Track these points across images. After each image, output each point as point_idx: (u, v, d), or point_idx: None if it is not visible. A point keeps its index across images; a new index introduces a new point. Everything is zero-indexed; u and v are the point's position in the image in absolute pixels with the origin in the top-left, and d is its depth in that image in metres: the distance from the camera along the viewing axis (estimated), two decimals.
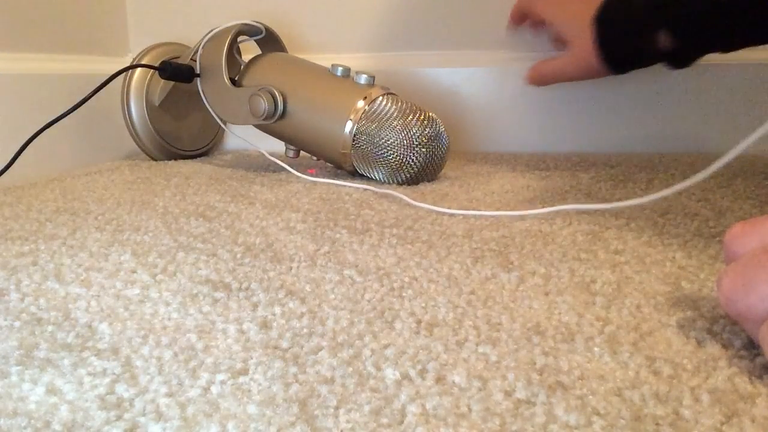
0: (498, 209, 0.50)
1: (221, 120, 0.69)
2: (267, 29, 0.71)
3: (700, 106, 0.78)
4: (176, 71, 0.68)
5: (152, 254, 0.39)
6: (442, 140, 0.61)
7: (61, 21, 0.76)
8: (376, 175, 0.62)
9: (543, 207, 0.49)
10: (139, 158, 0.77)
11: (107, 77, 0.66)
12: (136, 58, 0.74)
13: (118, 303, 0.32)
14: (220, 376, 0.25)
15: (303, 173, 0.64)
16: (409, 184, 0.60)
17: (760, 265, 0.24)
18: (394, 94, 0.63)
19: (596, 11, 0.62)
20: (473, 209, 0.50)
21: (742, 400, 0.22)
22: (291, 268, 0.37)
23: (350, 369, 0.25)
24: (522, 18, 0.73)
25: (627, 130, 0.81)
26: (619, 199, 0.53)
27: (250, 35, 0.71)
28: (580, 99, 0.81)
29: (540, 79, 0.71)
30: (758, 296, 0.24)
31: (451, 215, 0.48)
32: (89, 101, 0.64)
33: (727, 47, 0.61)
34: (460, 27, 0.83)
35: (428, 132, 0.60)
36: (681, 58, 0.62)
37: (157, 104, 0.74)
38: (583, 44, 0.63)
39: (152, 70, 0.71)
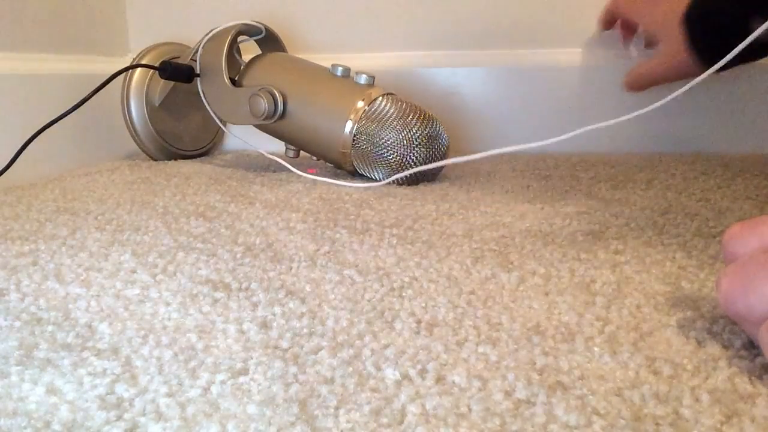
0: (498, 209, 0.50)
1: (221, 120, 0.69)
2: (267, 29, 0.71)
3: (701, 106, 0.78)
4: (176, 71, 0.68)
5: (152, 254, 0.39)
6: (442, 140, 0.61)
7: (61, 21, 0.76)
8: (376, 175, 0.62)
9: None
10: (139, 158, 0.77)
11: (107, 77, 0.66)
12: (136, 58, 0.74)
13: (118, 303, 0.32)
14: (220, 376, 0.25)
15: (303, 173, 0.64)
16: (409, 184, 0.60)
17: (759, 266, 0.24)
18: (393, 94, 0.63)
19: (685, 8, 0.61)
20: (472, 209, 0.50)
21: (742, 400, 0.22)
22: (291, 268, 0.37)
23: (350, 369, 0.25)
24: (612, 21, 0.72)
25: (627, 130, 0.81)
26: (619, 200, 0.53)
27: (250, 35, 0.71)
28: (580, 99, 0.81)
29: (636, 84, 0.69)
30: (757, 297, 0.24)
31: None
32: (89, 101, 0.64)
33: None
34: (460, 27, 0.83)
35: (428, 132, 0.60)
36: None
37: (157, 104, 0.74)
38: (674, 43, 0.62)
39: (152, 70, 0.71)
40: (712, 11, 0.59)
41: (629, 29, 0.74)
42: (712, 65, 0.58)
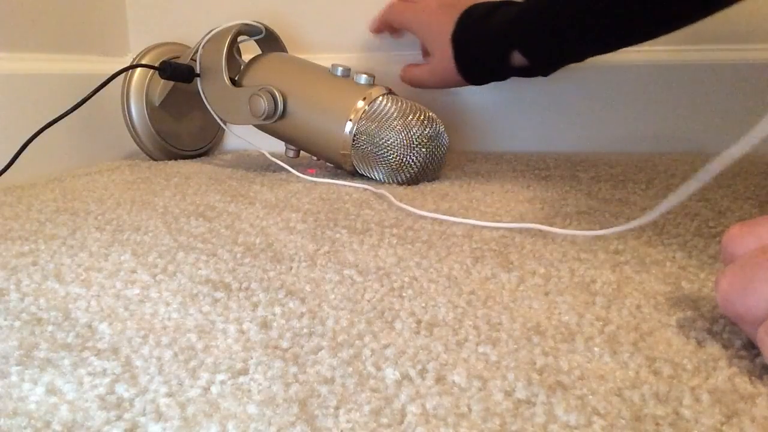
0: (498, 209, 0.50)
1: (221, 120, 0.69)
2: (267, 29, 0.71)
3: (700, 106, 0.78)
4: (176, 71, 0.68)
5: (152, 254, 0.39)
6: (442, 140, 0.61)
7: (61, 21, 0.76)
8: (376, 175, 0.62)
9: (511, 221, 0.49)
10: (139, 158, 0.77)
11: (107, 77, 0.66)
12: (136, 58, 0.74)
13: (118, 303, 0.32)
14: (220, 376, 0.25)
15: (303, 173, 0.64)
16: (409, 184, 0.60)
17: (758, 266, 0.24)
18: (394, 94, 0.63)
19: (453, 28, 0.66)
20: (472, 209, 0.50)
21: (742, 400, 0.23)
22: (291, 268, 0.37)
23: (350, 369, 0.25)
24: (384, 27, 0.76)
25: (627, 130, 0.81)
26: (619, 200, 0.53)
27: (250, 35, 0.71)
28: (581, 99, 0.81)
29: (410, 83, 0.74)
30: (756, 297, 0.24)
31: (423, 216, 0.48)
32: (89, 101, 0.64)
33: (578, 60, 0.66)
34: None
35: (428, 132, 0.60)
36: (536, 73, 0.66)
37: (157, 104, 0.74)
38: (444, 58, 0.67)
39: (152, 70, 0.71)
40: (475, 38, 0.65)
41: (398, 32, 0.79)
42: (476, 81, 0.70)
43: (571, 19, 0.60)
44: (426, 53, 0.73)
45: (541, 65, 0.65)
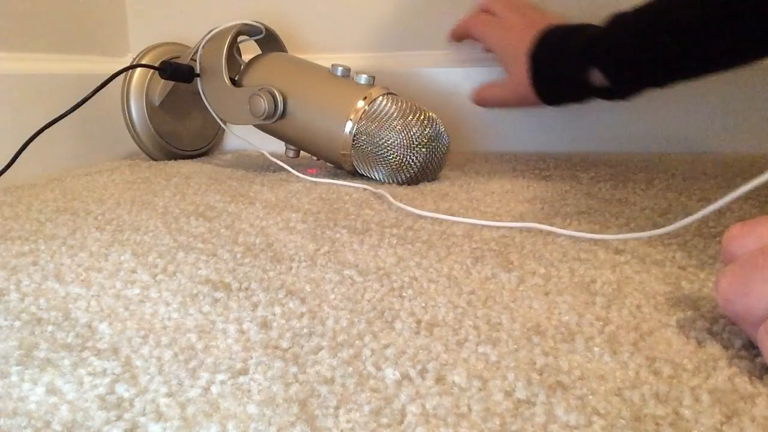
0: (498, 209, 0.50)
1: (221, 120, 0.69)
2: (267, 29, 0.71)
3: (700, 106, 0.78)
4: (176, 71, 0.68)
5: (152, 254, 0.39)
6: (442, 140, 0.61)
7: (61, 21, 0.76)
8: (376, 175, 0.62)
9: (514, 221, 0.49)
10: (139, 158, 0.77)
11: (107, 77, 0.66)
12: (136, 58, 0.74)
13: (118, 303, 0.32)
14: (220, 376, 0.25)
15: (303, 173, 0.64)
16: (409, 184, 0.60)
17: (758, 266, 0.24)
18: (394, 94, 0.63)
19: (531, 45, 0.64)
20: (472, 209, 0.50)
21: (742, 400, 0.23)
22: (291, 268, 0.37)
23: (350, 369, 0.25)
24: (463, 37, 0.75)
25: (627, 130, 0.81)
26: (619, 200, 0.53)
27: (250, 35, 0.71)
28: None
29: (483, 103, 0.73)
30: (756, 297, 0.24)
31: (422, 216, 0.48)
32: (89, 101, 0.64)
33: (660, 84, 0.62)
34: None
35: (428, 132, 0.60)
36: (616, 95, 0.63)
37: (157, 104, 0.74)
38: (520, 75, 0.65)
39: (152, 70, 0.71)
40: (554, 55, 0.63)
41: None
42: (552, 102, 0.67)
43: (660, 39, 0.57)
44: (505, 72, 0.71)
45: (622, 87, 0.62)
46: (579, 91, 0.64)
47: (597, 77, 0.60)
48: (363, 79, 0.62)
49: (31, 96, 0.68)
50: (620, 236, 0.40)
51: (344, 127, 0.61)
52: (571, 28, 0.64)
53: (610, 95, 0.63)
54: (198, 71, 0.68)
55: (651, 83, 0.62)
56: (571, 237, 0.42)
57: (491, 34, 0.70)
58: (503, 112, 0.82)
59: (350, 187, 0.58)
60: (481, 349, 0.27)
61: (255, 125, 0.67)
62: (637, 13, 0.58)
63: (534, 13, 0.68)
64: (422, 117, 0.60)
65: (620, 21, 0.60)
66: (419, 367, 0.25)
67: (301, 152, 0.68)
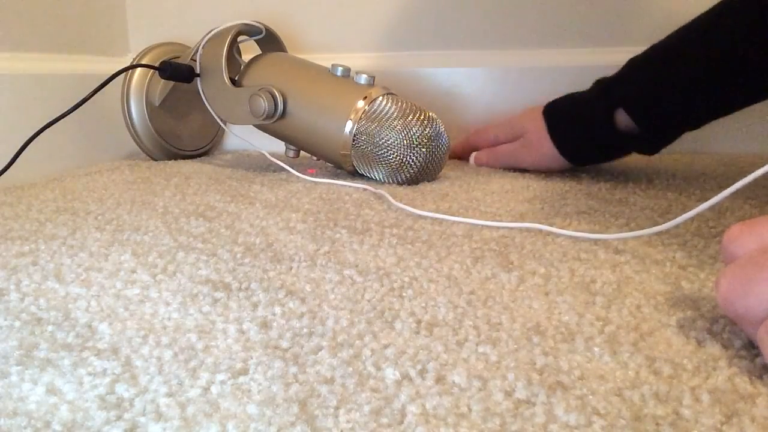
0: (498, 209, 0.50)
1: (221, 120, 0.69)
2: (267, 29, 0.71)
3: None
4: (176, 71, 0.68)
5: (152, 254, 0.39)
6: (442, 140, 0.61)
7: (61, 21, 0.76)
8: (376, 175, 0.62)
9: (514, 221, 0.49)
10: (139, 158, 0.77)
11: (107, 77, 0.66)
12: (136, 58, 0.74)
13: (118, 303, 0.32)
14: (220, 376, 0.25)
15: (303, 173, 0.64)
16: (409, 184, 0.60)
17: (758, 266, 0.24)
18: (394, 94, 0.63)
19: (545, 106, 0.63)
20: (472, 209, 0.50)
21: (742, 400, 0.22)
22: (291, 268, 0.37)
23: (350, 369, 0.25)
24: (470, 151, 0.72)
25: None
26: (619, 200, 0.53)
27: (250, 35, 0.71)
28: None
29: (492, 162, 0.69)
30: (756, 297, 0.24)
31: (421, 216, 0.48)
32: (89, 101, 0.64)
33: (695, 123, 0.59)
34: (460, 27, 0.83)
35: (428, 132, 0.60)
36: (646, 140, 0.59)
37: (157, 104, 0.74)
38: (538, 131, 0.63)
39: (152, 70, 0.71)
40: (572, 102, 0.62)
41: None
42: (576, 158, 0.63)
43: (674, 74, 0.55)
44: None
45: (652, 128, 0.57)
46: (606, 138, 0.60)
47: (623, 120, 0.58)
48: (363, 79, 0.62)
49: (31, 96, 0.68)
50: (620, 235, 0.40)
51: (344, 127, 0.61)
52: (579, 94, 0.62)
53: (640, 143, 0.59)
54: (198, 71, 0.68)
55: (686, 120, 0.58)
56: (571, 237, 0.42)
57: (499, 119, 0.69)
58: (502, 110, 0.82)
59: (350, 187, 0.58)
60: (481, 349, 0.27)
61: (255, 125, 0.67)
62: (651, 51, 0.57)
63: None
64: (422, 117, 0.60)
65: (634, 62, 0.58)
66: (419, 367, 0.25)
67: (301, 152, 0.68)
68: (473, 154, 0.71)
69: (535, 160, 0.65)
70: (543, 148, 0.63)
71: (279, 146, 0.69)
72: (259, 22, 0.70)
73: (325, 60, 0.68)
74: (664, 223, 0.45)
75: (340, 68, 0.64)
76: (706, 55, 0.54)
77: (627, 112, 0.57)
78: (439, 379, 0.24)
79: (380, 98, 0.61)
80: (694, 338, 0.27)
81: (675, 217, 0.46)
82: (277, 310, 0.31)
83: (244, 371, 0.25)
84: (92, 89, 0.64)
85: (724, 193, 0.31)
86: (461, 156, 0.74)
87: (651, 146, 0.60)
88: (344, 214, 0.48)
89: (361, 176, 0.64)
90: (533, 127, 0.64)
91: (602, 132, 0.59)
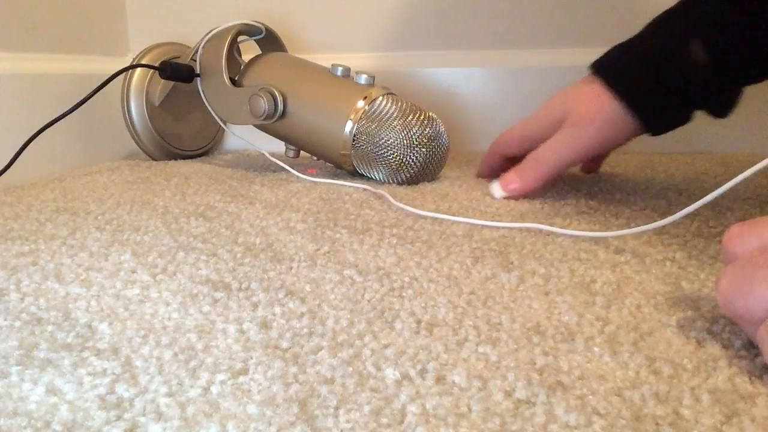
0: (498, 209, 0.50)
1: (221, 120, 0.69)
2: (267, 29, 0.71)
3: None
4: (176, 71, 0.68)
5: (152, 254, 0.39)
6: (442, 140, 0.61)
7: (61, 21, 0.76)
8: (376, 175, 0.62)
9: (514, 221, 0.49)
10: (139, 158, 0.77)
11: (107, 77, 0.66)
12: (136, 58, 0.74)
13: (118, 303, 0.32)
14: (220, 376, 0.25)
15: (303, 173, 0.64)
16: (409, 184, 0.60)
17: (758, 266, 0.24)
18: (394, 94, 0.63)
19: (592, 63, 0.51)
20: (472, 209, 0.50)
21: (742, 400, 0.22)
22: (291, 268, 0.37)
23: (350, 369, 0.25)
24: (498, 162, 0.59)
25: None
26: (619, 200, 0.53)
27: (250, 35, 0.71)
28: None
29: (536, 173, 0.53)
30: (756, 297, 0.24)
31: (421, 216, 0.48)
32: (89, 101, 0.64)
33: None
34: (460, 27, 0.83)
35: (428, 132, 0.60)
36: (724, 85, 0.49)
37: (157, 104, 0.74)
38: (590, 98, 0.50)
39: (152, 70, 0.71)
40: (630, 51, 0.51)
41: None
42: (644, 108, 0.50)
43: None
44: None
45: (734, 62, 0.47)
46: (682, 77, 0.48)
47: (697, 54, 0.46)
48: (363, 79, 0.62)
49: (31, 96, 0.68)
50: (620, 233, 0.40)
51: (344, 127, 0.61)
52: (628, 40, 0.50)
53: (715, 88, 0.49)
54: (198, 71, 0.68)
55: (759, 58, 0.48)
56: (571, 237, 0.42)
57: (525, 127, 0.55)
58: (502, 110, 0.82)
59: (350, 187, 0.58)
60: (481, 349, 0.27)
61: (255, 125, 0.67)
62: None
63: None
64: (422, 117, 0.60)
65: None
66: (419, 367, 0.25)
67: (301, 152, 0.68)
68: (497, 182, 0.54)
69: (599, 133, 0.50)
70: (604, 113, 0.49)
71: (279, 146, 0.69)
72: (259, 22, 0.70)
73: (325, 60, 0.68)
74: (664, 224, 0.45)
75: (340, 68, 0.64)
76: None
77: (704, 42, 0.47)
78: (439, 379, 0.24)
79: (380, 98, 0.61)
80: (694, 338, 0.27)
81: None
82: (277, 310, 0.31)
83: (244, 371, 0.25)
84: (92, 89, 0.64)
85: (725, 186, 0.31)
86: (488, 175, 0.61)
87: (726, 94, 0.51)
88: (344, 214, 0.48)
89: (361, 176, 0.64)
90: (581, 96, 0.51)
91: (676, 68, 0.48)
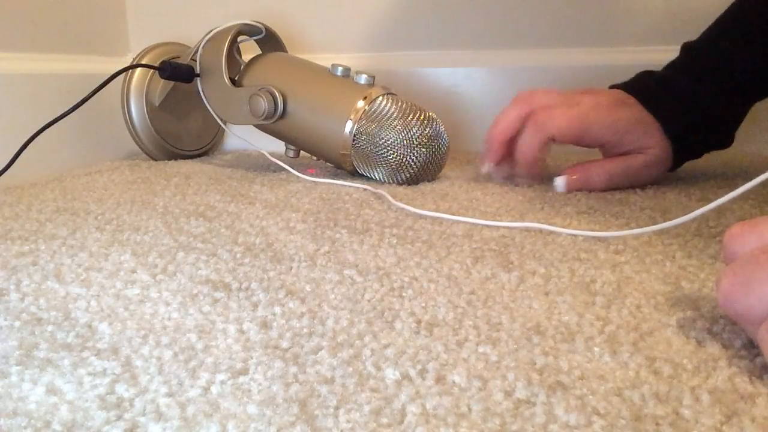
0: (498, 209, 0.50)
1: (221, 120, 0.69)
2: (267, 29, 0.71)
3: None
4: (176, 71, 0.68)
5: (152, 254, 0.39)
6: (442, 140, 0.61)
7: (61, 21, 0.76)
8: (376, 175, 0.62)
9: (515, 220, 0.49)
10: (139, 158, 0.77)
11: (107, 77, 0.66)
12: (136, 58, 0.74)
13: (118, 303, 0.32)
14: (220, 376, 0.25)
15: (303, 173, 0.64)
16: (409, 184, 0.60)
17: (759, 266, 0.24)
18: (394, 94, 0.63)
19: (660, 123, 0.55)
20: (472, 209, 0.50)
21: (742, 400, 0.22)
22: (291, 268, 0.37)
23: (350, 369, 0.25)
24: (507, 148, 0.58)
25: None
26: (619, 200, 0.53)
27: (250, 35, 0.71)
28: None
29: (606, 182, 0.57)
30: (757, 297, 0.24)
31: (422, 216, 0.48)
32: (89, 101, 0.64)
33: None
34: (460, 27, 0.83)
35: (428, 132, 0.60)
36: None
37: (157, 104, 0.74)
38: (661, 151, 0.56)
39: (152, 70, 0.71)
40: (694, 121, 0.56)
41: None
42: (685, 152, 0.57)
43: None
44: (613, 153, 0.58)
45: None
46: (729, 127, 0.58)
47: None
48: (363, 79, 0.62)
49: (31, 96, 0.68)
50: (621, 233, 0.40)
51: (344, 127, 0.61)
52: (665, 83, 0.56)
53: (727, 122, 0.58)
54: (198, 71, 0.68)
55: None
56: (571, 236, 0.42)
57: (593, 128, 0.55)
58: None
59: (350, 187, 0.58)
60: (481, 349, 0.27)
61: (255, 125, 0.67)
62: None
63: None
64: (422, 117, 0.60)
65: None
66: (419, 367, 0.25)
67: (301, 152, 0.68)
68: (571, 183, 0.56)
69: (653, 171, 0.58)
70: (663, 166, 0.58)
71: (279, 146, 0.69)
72: (259, 22, 0.70)
73: (325, 60, 0.68)
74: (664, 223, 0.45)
75: (340, 68, 0.64)
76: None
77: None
78: (439, 379, 0.24)
79: (380, 98, 0.61)
80: (694, 338, 0.27)
81: (675, 217, 0.46)
82: (277, 310, 0.31)
83: (244, 371, 0.25)
84: (92, 89, 0.64)
85: (729, 195, 0.31)
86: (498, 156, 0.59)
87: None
88: (344, 214, 0.48)
89: (361, 176, 0.64)
90: (656, 147, 0.56)
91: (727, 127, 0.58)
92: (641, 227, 0.44)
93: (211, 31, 0.68)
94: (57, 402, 0.23)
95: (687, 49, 0.57)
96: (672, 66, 0.58)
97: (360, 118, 0.60)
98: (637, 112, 0.56)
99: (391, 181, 0.61)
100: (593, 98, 0.56)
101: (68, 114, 0.63)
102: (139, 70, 0.73)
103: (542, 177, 0.59)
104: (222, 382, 0.24)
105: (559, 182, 0.56)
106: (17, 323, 0.30)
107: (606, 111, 0.55)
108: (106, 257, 0.39)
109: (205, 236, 0.43)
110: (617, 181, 0.57)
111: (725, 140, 0.59)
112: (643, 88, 0.57)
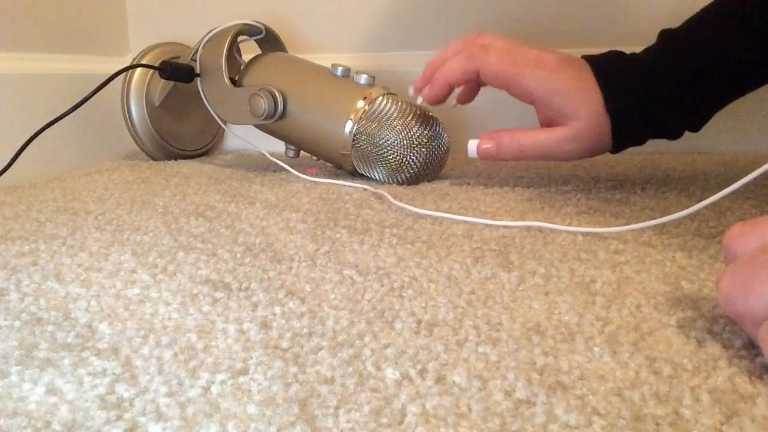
0: (498, 209, 0.50)
1: (221, 120, 0.69)
2: (267, 29, 0.71)
3: None
4: (176, 71, 0.68)
5: (152, 254, 0.39)
6: (442, 140, 0.61)
7: (61, 21, 0.76)
8: (376, 175, 0.62)
9: (516, 219, 0.49)
10: (139, 158, 0.77)
11: (107, 77, 0.66)
12: (136, 58, 0.74)
13: (118, 303, 0.32)
14: (220, 376, 0.25)
15: (303, 173, 0.64)
16: (409, 184, 0.60)
17: (759, 266, 0.24)
18: (394, 94, 0.63)
19: (603, 95, 0.53)
20: (472, 209, 0.50)
21: (742, 400, 0.22)
22: (291, 268, 0.37)
23: (350, 369, 0.25)
24: (445, 91, 0.57)
25: None
26: (619, 200, 0.53)
27: (250, 35, 0.71)
28: None
29: (517, 155, 0.56)
30: (757, 297, 0.24)
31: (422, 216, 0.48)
32: (89, 101, 0.64)
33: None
34: (460, 27, 0.83)
35: (428, 132, 0.60)
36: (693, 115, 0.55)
37: (157, 104, 0.74)
38: (594, 126, 0.53)
39: (152, 70, 0.71)
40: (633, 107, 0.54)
41: (471, 94, 0.60)
42: (623, 139, 0.54)
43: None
44: (548, 120, 0.57)
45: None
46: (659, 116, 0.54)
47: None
48: (363, 79, 0.62)
49: (31, 96, 0.68)
50: (621, 228, 0.40)
51: (344, 127, 0.61)
52: (626, 64, 0.54)
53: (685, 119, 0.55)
54: (198, 71, 0.68)
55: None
56: (571, 237, 0.42)
57: (526, 75, 0.53)
58: (503, 111, 0.82)
59: (350, 187, 0.58)
60: (481, 349, 0.27)
61: (255, 125, 0.67)
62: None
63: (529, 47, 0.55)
64: (422, 117, 0.60)
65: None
66: (419, 367, 0.25)
67: (301, 152, 0.68)
68: (491, 150, 0.57)
69: (582, 151, 0.55)
70: (596, 143, 0.55)
71: (279, 146, 0.69)
72: (259, 22, 0.70)
73: (325, 60, 0.68)
74: (664, 223, 0.45)
75: (340, 68, 0.64)
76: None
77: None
78: (439, 379, 0.24)
79: (380, 98, 0.61)
80: (694, 338, 0.27)
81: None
82: (277, 310, 0.31)
83: (244, 371, 0.25)
84: (92, 89, 0.64)
85: (727, 189, 0.31)
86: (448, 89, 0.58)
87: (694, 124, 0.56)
88: (344, 214, 0.48)
89: (361, 176, 0.64)
90: (588, 120, 0.54)
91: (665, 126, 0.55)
92: (641, 227, 0.44)
93: (211, 31, 0.68)
94: (57, 402, 0.23)
95: (662, 34, 0.56)
96: (645, 49, 0.56)
97: (360, 118, 0.60)
98: (582, 77, 0.53)
99: (391, 181, 0.61)
100: (540, 52, 0.54)
101: (68, 114, 0.63)
102: (139, 70, 0.73)
103: (442, 102, 0.58)
104: (222, 382, 0.24)
105: (471, 146, 0.56)
106: (17, 323, 0.30)
107: (545, 66, 0.53)
108: (106, 257, 0.39)
109: (205, 236, 0.43)
110: (529, 153, 0.55)
111: (673, 131, 0.55)
112: (603, 59, 0.55)
